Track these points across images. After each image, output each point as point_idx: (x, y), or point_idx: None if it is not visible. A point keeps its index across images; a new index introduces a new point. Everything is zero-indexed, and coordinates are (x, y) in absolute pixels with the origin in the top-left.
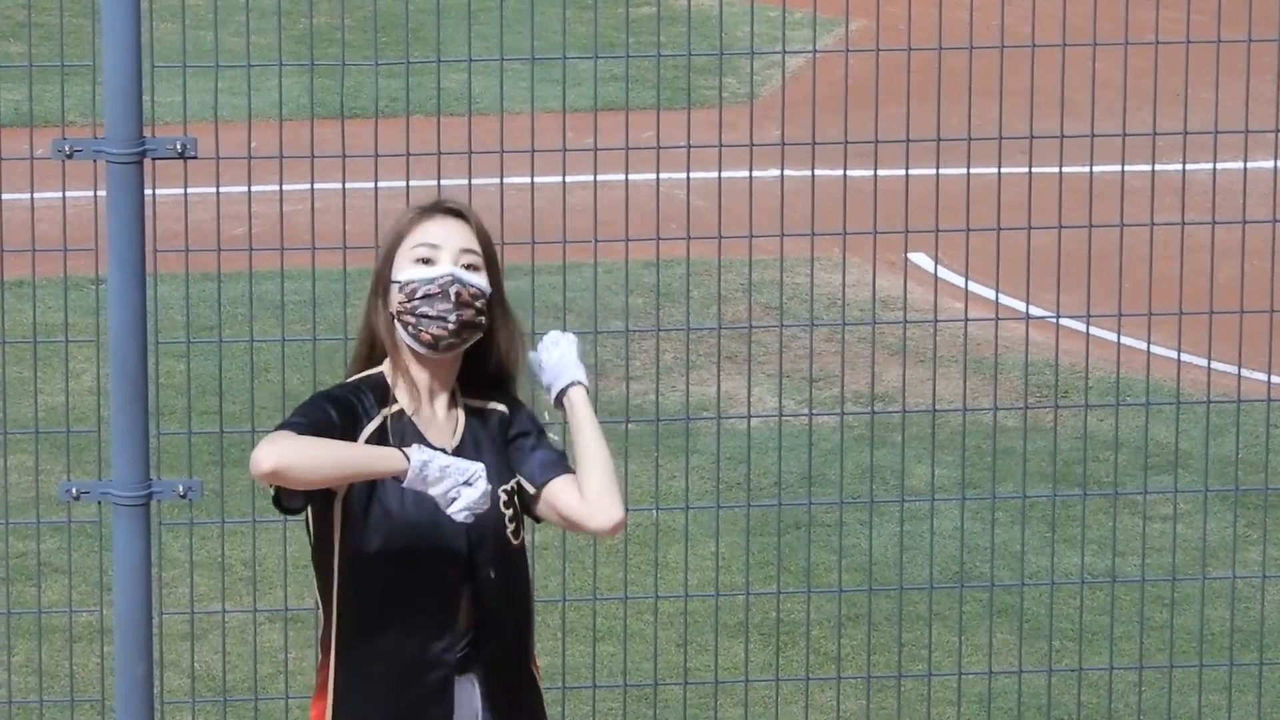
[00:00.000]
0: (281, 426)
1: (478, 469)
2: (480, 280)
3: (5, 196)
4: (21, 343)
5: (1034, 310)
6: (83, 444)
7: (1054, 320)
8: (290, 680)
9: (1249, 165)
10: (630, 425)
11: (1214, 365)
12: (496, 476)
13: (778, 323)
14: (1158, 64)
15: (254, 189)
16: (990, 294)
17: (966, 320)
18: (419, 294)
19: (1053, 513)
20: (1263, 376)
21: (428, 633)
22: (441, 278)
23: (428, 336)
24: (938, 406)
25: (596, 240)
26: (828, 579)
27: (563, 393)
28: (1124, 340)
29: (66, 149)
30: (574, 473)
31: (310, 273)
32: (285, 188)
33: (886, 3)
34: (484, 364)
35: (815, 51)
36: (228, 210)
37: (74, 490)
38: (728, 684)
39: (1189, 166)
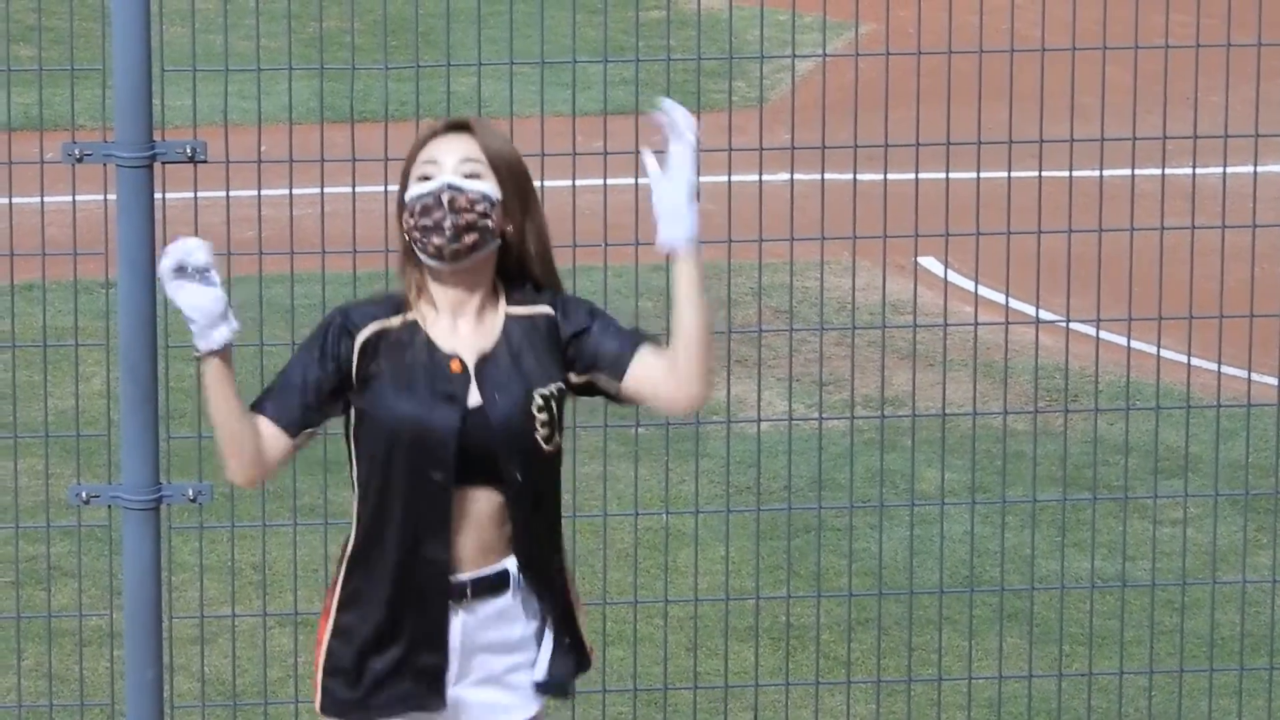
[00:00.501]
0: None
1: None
2: (480, 185)
3: (15, 200)
4: (31, 346)
5: (1044, 314)
6: (93, 447)
7: (1064, 324)
8: (300, 685)
9: (1259, 169)
10: (640, 429)
11: (1224, 369)
12: (537, 379)
13: (787, 327)
14: (1168, 68)
15: (264, 193)
16: (1000, 298)
17: (976, 324)
18: (418, 208)
19: (1063, 517)
20: (1273, 380)
21: (420, 532)
22: (436, 188)
23: (432, 248)
24: (948, 410)
25: (606, 244)
26: (837, 583)
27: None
28: (1134, 344)
29: (77, 153)
30: (652, 341)
31: (320, 276)
32: (295, 192)
33: (896, 6)
34: (520, 269)
35: (825, 55)
36: (237, 214)
37: (84, 494)
38: (737, 688)
39: (1199, 170)
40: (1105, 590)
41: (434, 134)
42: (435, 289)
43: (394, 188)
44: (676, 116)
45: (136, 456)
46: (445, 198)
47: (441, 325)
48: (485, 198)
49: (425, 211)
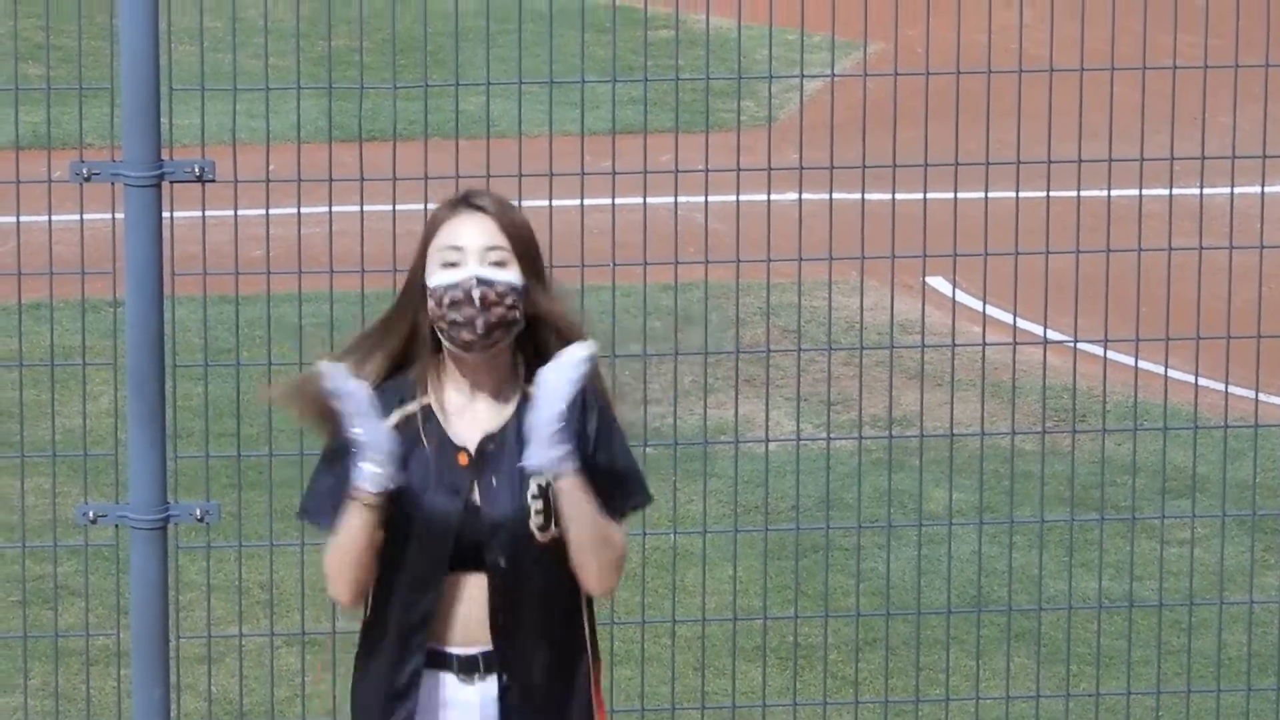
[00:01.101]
0: (305, 512)
1: (370, 445)
2: (507, 276)
3: (22, 219)
4: (39, 365)
5: (1051, 334)
6: (100, 467)
7: (1071, 344)
8: (307, 704)
9: (1266, 189)
10: (648, 449)
11: (1231, 389)
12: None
13: (795, 346)
14: (1175, 88)
15: (272, 212)
16: (1008, 318)
17: (984, 344)
18: (446, 300)
19: (1070, 537)
20: None
21: (412, 616)
22: (465, 281)
23: (461, 342)
24: (955, 430)
25: (615, 264)
26: (845, 603)
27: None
28: (1141, 364)
29: (85, 172)
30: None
31: (328, 295)
32: (303, 210)
33: (904, 26)
34: (541, 344)
35: (833, 75)
36: (245, 233)
37: (91, 513)
38: (745, 708)
39: (1206, 191)
40: (1112, 610)
41: (450, 211)
42: (454, 371)
43: (402, 207)
44: (552, 377)
45: (144, 476)
46: (476, 294)
47: (456, 407)
48: (513, 289)
49: (455, 305)
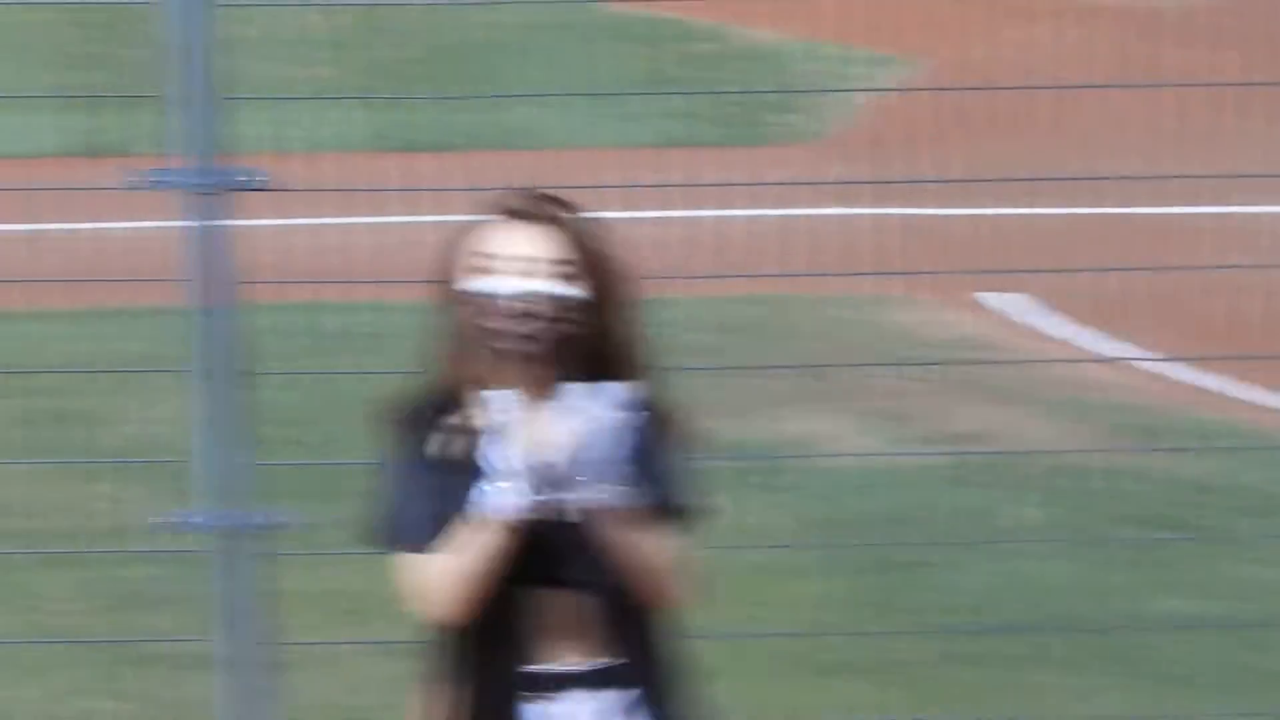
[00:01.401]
0: (393, 533)
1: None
2: (555, 288)
3: (89, 225)
4: (129, 371)
5: (1123, 351)
6: (180, 473)
7: (1144, 361)
8: (399, 714)
9: None
10: (719, 463)
11: None
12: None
13: (860, 362)
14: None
15: (319, 220)
16: (1085, 336)
17: (1064, 360)
18: (489, 309)
19: (1150, 555)
20: None
21: (496, 637)
22: (511, 293)
23: (502, 350)
24: (1035, 447)
25: (672, 278)
26: (930, 619)
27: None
28: (1215, 382)
29: (150, 179)
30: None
31: (376, 305)
32: (353, 220)
33: (946, 41)
34: (595, 356)
35: (881, 90)
36: (293, 241)
37: (174, 519)
38: None
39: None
40: (1196, 630)
41: (501, 218)
42: (501, 377)
43: (450, 217)
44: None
45: (229, 483)
46: (519, 306)
47: (494, 416)
48: (559, 301)
49: (498, 314)
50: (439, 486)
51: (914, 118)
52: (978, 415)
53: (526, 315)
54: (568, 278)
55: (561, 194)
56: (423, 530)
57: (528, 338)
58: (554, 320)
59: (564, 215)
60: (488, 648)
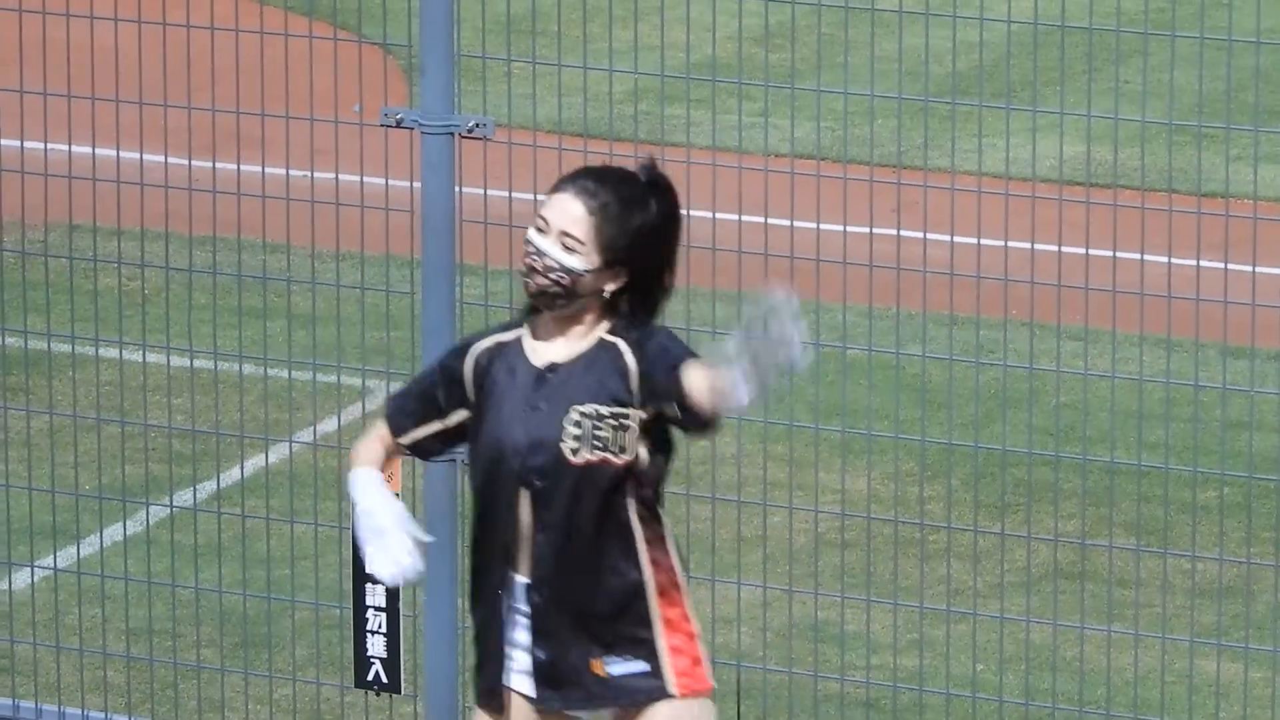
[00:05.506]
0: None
1: (378, 538)
2: (565, 258)
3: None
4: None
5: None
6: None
7: None
8: None
9: None
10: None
11: None
12: (583, 397)
13: None
14: None
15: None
16: None
17: None
18: (523, 251)
19: None
20: None
21: (493, 543)
22: (529, 248)
23: (525, 288)
24: None
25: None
26: None
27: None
28: None
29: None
30: (694, 359)
31: None
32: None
33: None
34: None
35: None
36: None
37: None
38: None
39: None
40: None
41: (563, 184)
42: (545, 315)
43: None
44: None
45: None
46: (528, 262)
47: (540, 339)
48: (560, 267)
49: (524, 257)
50: (432, 392)
51: None
52: None
53: (532, 269)
54: (567, 249)
55: (635, 175)
56: (399, 412)
57: (537, 288)
58: (547, 279)
59: (600, 194)
60: (486, 544)
